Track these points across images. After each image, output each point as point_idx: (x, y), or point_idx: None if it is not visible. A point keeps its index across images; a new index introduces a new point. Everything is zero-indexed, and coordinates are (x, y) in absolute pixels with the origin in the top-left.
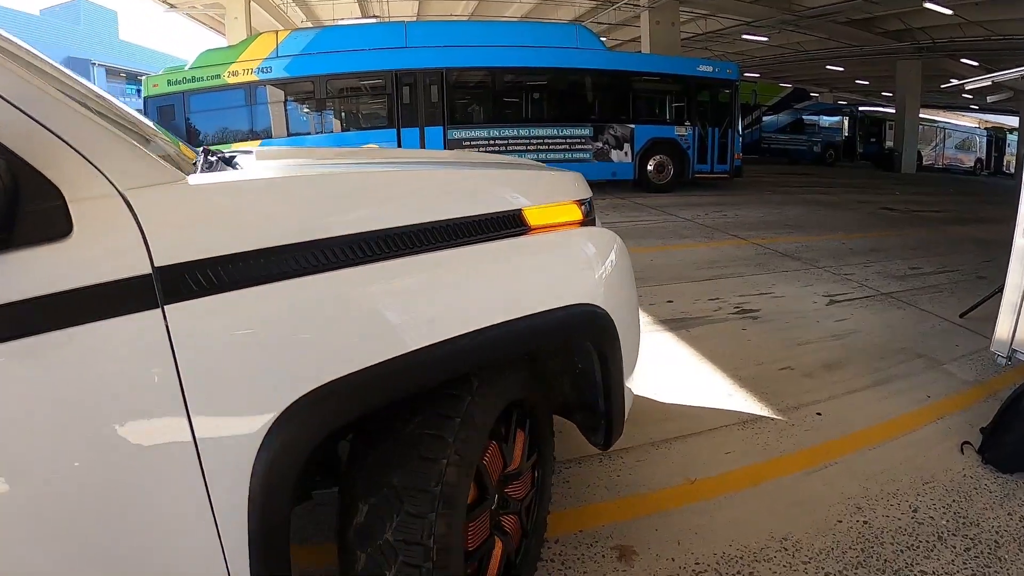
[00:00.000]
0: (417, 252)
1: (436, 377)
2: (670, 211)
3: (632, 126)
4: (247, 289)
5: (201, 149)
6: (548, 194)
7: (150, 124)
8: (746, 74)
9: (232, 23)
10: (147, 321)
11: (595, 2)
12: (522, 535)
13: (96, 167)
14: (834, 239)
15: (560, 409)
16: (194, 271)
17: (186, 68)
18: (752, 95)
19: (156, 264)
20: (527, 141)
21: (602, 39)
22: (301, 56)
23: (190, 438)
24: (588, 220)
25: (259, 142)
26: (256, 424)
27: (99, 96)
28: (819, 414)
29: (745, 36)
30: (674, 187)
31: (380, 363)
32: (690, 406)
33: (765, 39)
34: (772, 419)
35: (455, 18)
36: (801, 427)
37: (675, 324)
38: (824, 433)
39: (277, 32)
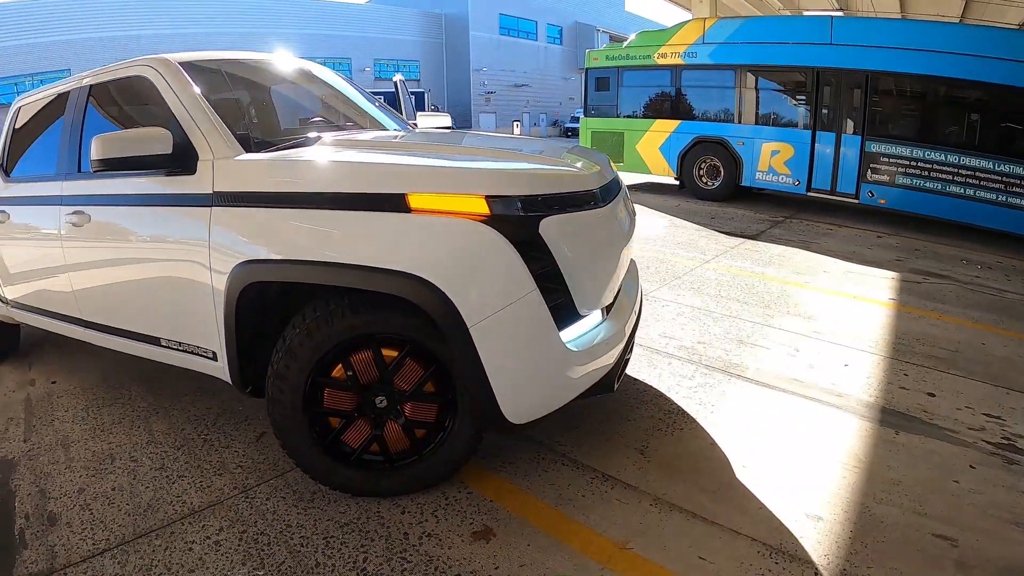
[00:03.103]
0: (319, 208)
1: (300, 278)
2: None
3: None
4: (240, 207)
5: (293, 136)
6: (444, 186)
7: (357, 100)
8: None
9: (697, 5)
10: (205, 212)
11: None
12: (412, 448)
13: (210, 146)
14: None
15: None
16: (224, 196)
17: (623, 46)
18: None
19: (215, 190)
20: (954, 171)
21: None
22: (724, 44)
23: (208, 262)
24: (510, 216)
25: (677, 123)
26: (230, 263)
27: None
28: None
29: None
30: None
31: (275, 258)
32: (757, 499)
33: None
34: (817, 573)
35: (942, 18)
36: None
37: (893, 418)
38: None
39: (705, 19)
